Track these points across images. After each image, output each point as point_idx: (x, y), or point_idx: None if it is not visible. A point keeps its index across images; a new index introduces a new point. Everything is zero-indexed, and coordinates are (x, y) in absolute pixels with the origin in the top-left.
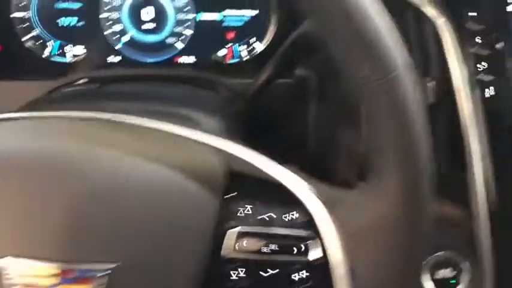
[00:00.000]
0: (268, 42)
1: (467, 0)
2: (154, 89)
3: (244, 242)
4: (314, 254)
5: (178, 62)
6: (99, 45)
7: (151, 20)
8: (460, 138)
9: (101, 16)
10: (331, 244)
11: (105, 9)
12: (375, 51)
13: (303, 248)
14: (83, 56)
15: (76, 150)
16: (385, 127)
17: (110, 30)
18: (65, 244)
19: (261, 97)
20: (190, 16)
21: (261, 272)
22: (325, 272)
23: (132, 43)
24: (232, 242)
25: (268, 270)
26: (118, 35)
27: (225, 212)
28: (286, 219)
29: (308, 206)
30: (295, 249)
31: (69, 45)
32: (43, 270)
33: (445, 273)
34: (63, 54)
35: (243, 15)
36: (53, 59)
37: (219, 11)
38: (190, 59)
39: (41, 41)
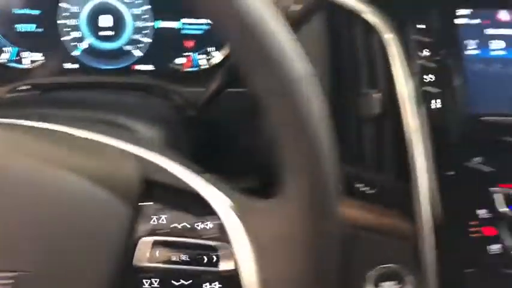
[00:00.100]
0: (226, 52)
1: (415, 13)
2: (101, 97)
3: (157, 252)
4: (225, 265)
5: (136, 69)
6: (56, 51)
7: (109, 28)
8: (405, 151)
9: (58, 22)
10: (243, 255)
11: (63, 15)
12: (273, 64)
13: (214, 258)
14: (40, 63)
15: None
16: (286, 141)
17: (67, 37)
18: None
19: (213, 106)
20: (149, 24)
21: (173, 282)
22: (238, 283)
23: (90, 50)
24: (145, 252)
25: (181, 280)
26: (76, 42)
27: (138, 221)
28: (199, 229)
29: (221, 215)
30: (206, 259)
31: (27, 51)
32: None
33: (389, 285)
34: (19, 61)
35: (202, 24)
36: (9, 64)
37: (178, 19)
38: (149, 67)
39: None
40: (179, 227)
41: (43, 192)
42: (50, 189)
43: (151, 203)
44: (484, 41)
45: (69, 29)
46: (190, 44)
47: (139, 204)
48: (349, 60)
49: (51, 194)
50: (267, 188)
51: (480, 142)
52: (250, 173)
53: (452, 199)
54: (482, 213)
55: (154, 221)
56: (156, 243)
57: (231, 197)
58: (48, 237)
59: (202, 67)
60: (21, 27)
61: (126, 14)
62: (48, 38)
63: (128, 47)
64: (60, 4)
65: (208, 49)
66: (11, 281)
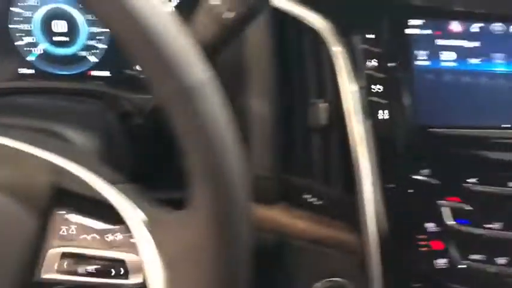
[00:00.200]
0: None
1: (364, 22)
2: (47, 103)
3: (65, 263)
4: (134, 278)
5: (93, 75)
6: (11, 56)
7: (64, 33)
8: (350, 162)
9: (10, 27)
10: (152, 267)
11: (15, 20)
12: (169, 69)
13: (122, 271)
14: None
15: None
16: (188, 149)
17: (20, 42)
18: None
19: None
20: (104, 30)
21: None
22: None
23: (46, 55)
24: (53, 263)
25: None
26: (30, 47)
27: (47, 231)
28: (109, 240)
29: (131, 227)
30: (114, 272)
31: None
32: None
33: None
34: None
35: None
36: None
37: None
38: (105, 73)
39: None
40: (88, 238)
41: None
42: None
43: (61, 212)
44: (435, 52)
45: (22, 34)
46: None
47: (49, 213)
48: (297, 69)
49: None
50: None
51: (428, 154)
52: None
53: (399, 212)
54: (430, 226)
55: (63, 232)
56: (64, 255)
57: (142, 209)
58: None
59: None
60: None
61: (80, 19)
62: (2, 43)
63: (83, 53)
64: (11, 8)
65: None
66: None
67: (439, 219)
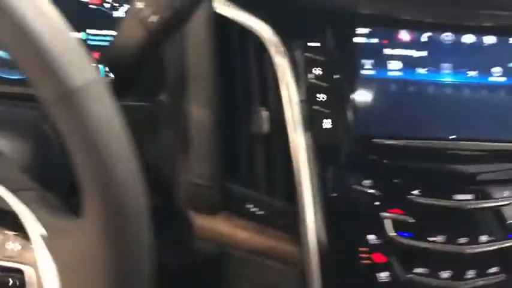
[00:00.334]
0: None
1: (310, 31)
2: None
3: None
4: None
5: None
6: None
7: None
8: (291, 171)
9: None
10: (48, 278)
11: None
12: (48, 71)
13: (18, 282)
14: None
15: None
16: (76, 154)
17: None
18: None
19: None
20: None
21: None
22: None
23: None
24: None
25: None
26: None
27: None
28: (8, 249)
29: (30, 236)
30: (11, 282)
31: None
32: None
33: None
34: None
35: (107, 35)
36: None
37: (83, 30)
38: None
39: None
40: None
41: None
42: None
43: None
44: (381, 61)
45: None
46: (95, 55)
47: None
48: (240, 76)
49: None
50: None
51: (371, 165)
52: None
53: (341, 224)
54: (371, 239)
55: None
56: None
57: (39, 216)
58: None
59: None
60: None
61: None
62: None
63: None
64: None
65: None
66: None
67: (381, 232)
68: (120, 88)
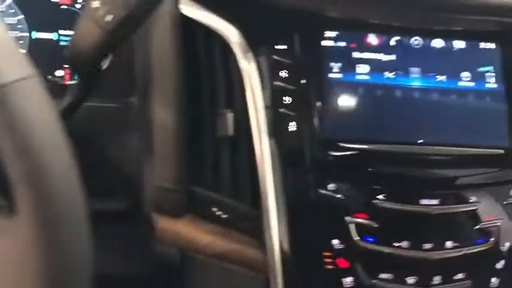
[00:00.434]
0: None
1: (277, 33)
2: None
3: None
4: None
5: None
6: None
7: None
8: (256, 175)
9: None
10: None
11: None
12: None
13: None
14: None
15: None
16: (3, 150)
17: None
18: None
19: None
20: (24, 34)
21: None
22: None
23: None
24: None
25: None
26: None
27: None
28: None
29: None
30: None
31: None
32: None
33: None
34: None
35: None
36: None
37: (55, 31)
38: None
39: None
40: None
41: None
42: None
43: None
44: (349, 65)
45: None
46: None
47: None
48: (206, 78)
49: None
50: None
51: (336, 169)
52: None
53: (306, 228)
54: (336, 243)
55: None
56: None
57: None
58: None
59: None
60: None
61: None
62: None
63: None
64: None
65: None
66: None
67: (345, 236)
68: (83, 88)
